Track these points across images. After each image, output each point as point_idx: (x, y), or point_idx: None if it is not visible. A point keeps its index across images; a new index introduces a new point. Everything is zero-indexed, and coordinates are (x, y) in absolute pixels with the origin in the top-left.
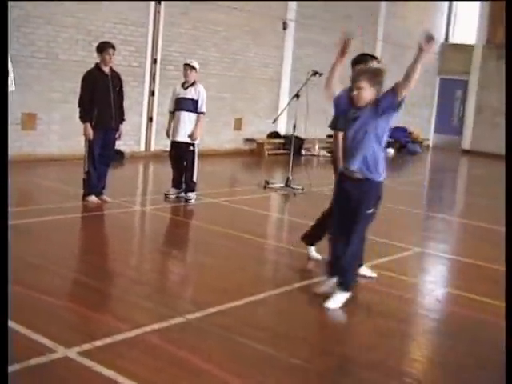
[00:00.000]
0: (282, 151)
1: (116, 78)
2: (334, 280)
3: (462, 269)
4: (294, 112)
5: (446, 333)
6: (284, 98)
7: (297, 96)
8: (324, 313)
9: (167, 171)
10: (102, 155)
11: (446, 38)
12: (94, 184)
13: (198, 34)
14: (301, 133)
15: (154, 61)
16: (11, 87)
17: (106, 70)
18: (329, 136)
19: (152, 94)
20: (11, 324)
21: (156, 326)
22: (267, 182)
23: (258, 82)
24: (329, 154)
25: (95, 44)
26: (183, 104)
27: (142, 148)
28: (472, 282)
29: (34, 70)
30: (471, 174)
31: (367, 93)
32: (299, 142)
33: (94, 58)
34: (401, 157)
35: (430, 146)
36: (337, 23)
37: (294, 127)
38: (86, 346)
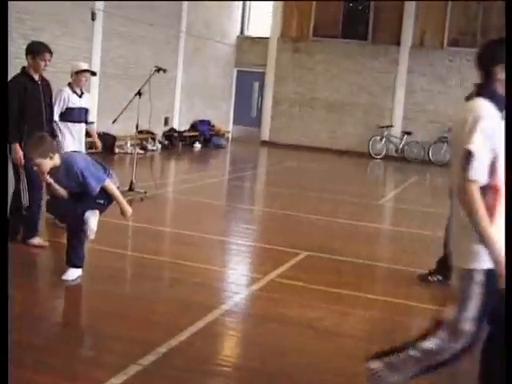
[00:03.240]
0: (93, 150)
1: (47, 87)
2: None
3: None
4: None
5: None
6: (94, 93)
7: (139, 94)
8: (265, 334)
9: None
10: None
11: (242, 31)
12: None
13: None
14: (113, 130)
15: None
16: None
17: (36, 77)
18: (139, 132)
19: None
20: None
21: (114, 381)
22: None
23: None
24: (142, 151)
25: None
26: None
27: None
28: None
29: None
30: (271, 165)
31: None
32: (111, 140)
33: None
34: (206, 151)
35: (230, 138)
36: (143, 14)
37: (137, 126)
38: None
